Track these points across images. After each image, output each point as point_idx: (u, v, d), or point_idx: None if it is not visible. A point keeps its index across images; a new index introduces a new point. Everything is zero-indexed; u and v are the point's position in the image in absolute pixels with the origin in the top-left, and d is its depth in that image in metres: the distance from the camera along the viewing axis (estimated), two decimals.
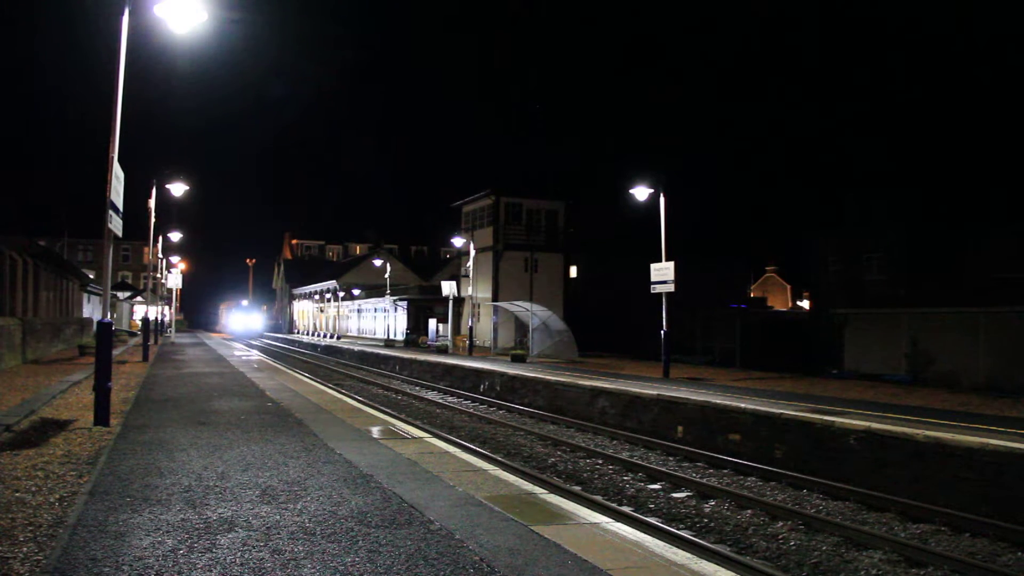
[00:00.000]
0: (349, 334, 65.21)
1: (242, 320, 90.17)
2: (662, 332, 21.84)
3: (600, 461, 12.77)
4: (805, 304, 65.10)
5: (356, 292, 63.39)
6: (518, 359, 27.84)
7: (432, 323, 44.42)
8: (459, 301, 41.33)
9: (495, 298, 38.85)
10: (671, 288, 21.22)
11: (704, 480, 11.33)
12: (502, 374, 22.73)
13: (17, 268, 22.28)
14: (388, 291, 52.66)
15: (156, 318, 46.88)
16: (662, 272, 21.43)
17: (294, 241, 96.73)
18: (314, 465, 7.53)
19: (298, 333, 77.45)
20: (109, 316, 10.20)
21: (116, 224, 10.14)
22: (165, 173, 25.85)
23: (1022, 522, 8.89)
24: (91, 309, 40.41)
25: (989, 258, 29.58)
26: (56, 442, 8.54)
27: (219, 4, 10.91)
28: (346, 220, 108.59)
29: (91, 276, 45.79)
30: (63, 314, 30.98)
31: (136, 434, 9.16)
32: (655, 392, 16.23)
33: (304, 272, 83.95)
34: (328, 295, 67.83)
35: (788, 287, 74.10)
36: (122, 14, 9.80)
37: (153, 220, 28.34)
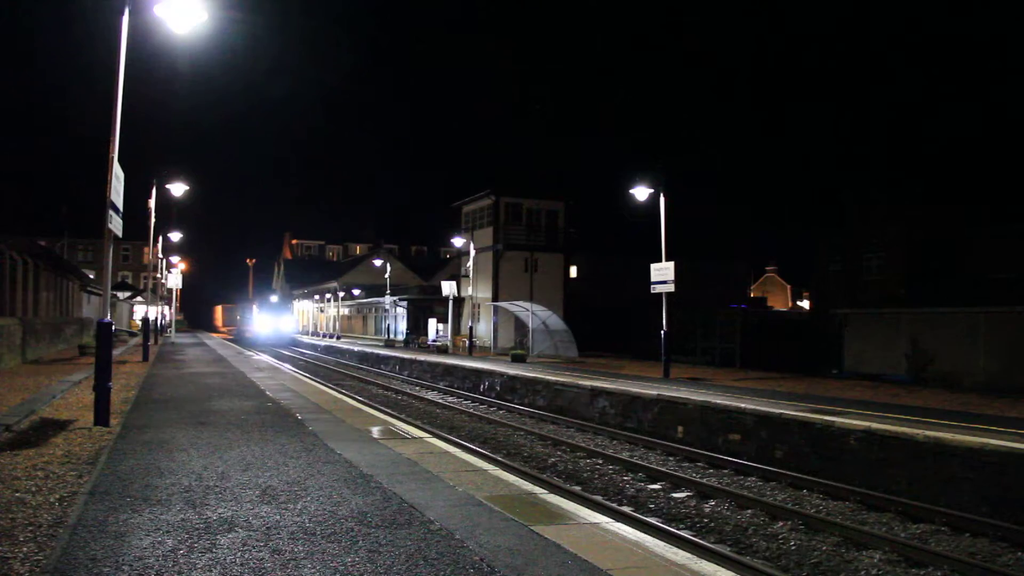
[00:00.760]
0: (349, 334, 65.22)
1: (268, 322, 65.12)
2: (662, 332, 21.84)
3: (600, 461, 12.77)
4: (805, 304, 65.14)
5: (356, 292, 63.42)
6: (518, 359, 27.84)
7: (432, 323, 44.42)
8: (459, 301, 41.32)
9: (495, 298, 38.85)
10: (671, 288, 21.21)
11: (704, 480, 11.33)
12: (502, 374, 22.73)
13: (17, 268, 22.27)
14: (388, 291, 52.68)
15: (156, 318, 46.90)
16: (662, 272, 21.42)
17: (294, 241, 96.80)
18: (314, 465, 7.53)
19: (297, 334, 77.39)
20: (109, 316, 10.19)
21: (116, 224, 10.14)
22: (165, 173, 25.85)
23: (1022, 522, 8.89)
24: (91, 309, 40.39)
25: (989, 258, 29.59)
26: (56, 442, 8.54)
27: (219, 4, 10.90)
28: (346, 220, 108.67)
29: (91, 276, 45.77)
30: (63, 314, 30.98)
31: (136, 434, 9.16)
32: (655, 392, 16.22)
33: (304, 272, 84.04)
34: (328, 295, 67.85)
35: (788, 287, 74.14)
36: (122, 14, 9.79)
37: (153, 220, 28.36)
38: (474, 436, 15.20)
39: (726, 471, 12.12)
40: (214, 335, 74.75)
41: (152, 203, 27.14)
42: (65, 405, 12.01)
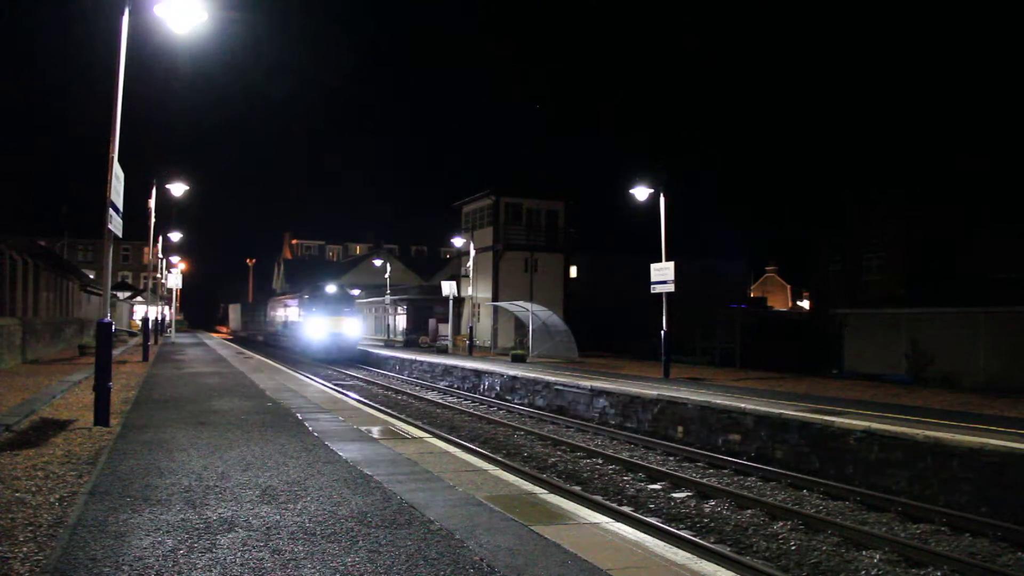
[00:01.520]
0: None
1: (322, 325, 37.19)
2: (662, 332, 21.83)
3: (600, 461, 12.77)
4: (805, 304, 65.10)
5: (356, 292, 63.40)
6: (518, 359, 27.84)
7: (432, 323, 44.39)
8: (459, 301, 41.32)
9: (495, 298, 38.85)
10: (671, 288, 21.20)
11: (704, 480, 11.33)
12: (502, 374, 22.73)
13: (17, 268, 22.27)
14: (388, 291, 52.67)
15: (156, 318, 46.88)
16: (662, 272, 21.42)
17: (294, 241, 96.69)
18: (314, 465, 7.53)
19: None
20: (109, 316, 10.19)
21: (116, 224, 10.14)
22: (165, 173, 25.87)
23: (1022, 522, 8.89)
24: (91, 309, 40.38)
25: (989, 258, 29.58)
26: (56, 442, 8.54)
27: (219, 4, 10.90)
28: (346, 220, 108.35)
29: (91, 276, 45.76)
30: (63, 314, 30.98)
31: (136, 434, 9.16)
32: (655, 392, 16.22)
33: (304, 272, 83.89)
34: None
35: (788, 287, 74.09)
36: (122, 14, 9.79)
37: (153, 220, 28.36)
38: (474, 436, 15.20)
39: (726, 471, 12.12)
40: (214, 335, 74.72)
41: (152, 203, 27.14)
42: (65, 405, 12.01)
